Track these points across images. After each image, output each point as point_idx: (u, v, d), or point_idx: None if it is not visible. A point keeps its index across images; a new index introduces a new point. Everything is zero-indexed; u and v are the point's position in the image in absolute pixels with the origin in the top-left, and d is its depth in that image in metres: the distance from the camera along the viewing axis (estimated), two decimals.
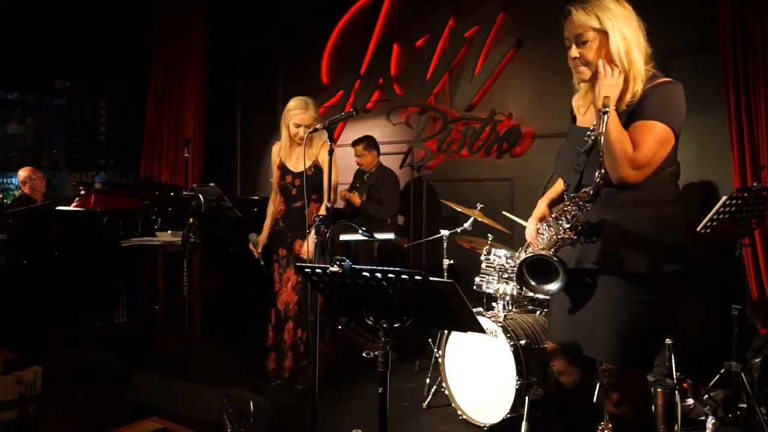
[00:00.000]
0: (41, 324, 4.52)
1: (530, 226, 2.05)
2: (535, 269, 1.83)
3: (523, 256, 2.04)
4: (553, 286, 1.79)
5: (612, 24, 1.74)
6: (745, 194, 2.89)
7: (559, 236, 1.83)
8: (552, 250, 1.84)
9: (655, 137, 1.71)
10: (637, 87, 1.77)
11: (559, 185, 2.12)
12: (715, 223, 2.91)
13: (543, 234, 1.95)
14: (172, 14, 6.81)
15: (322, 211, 3.40)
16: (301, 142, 3.51)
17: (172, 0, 6.76)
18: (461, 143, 4.93)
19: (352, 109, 2.57)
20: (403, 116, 5.35)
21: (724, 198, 2.83)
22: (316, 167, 3.53)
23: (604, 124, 1.63)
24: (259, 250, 3.61)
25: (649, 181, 1.76)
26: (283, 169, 3.62)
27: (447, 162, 5.09)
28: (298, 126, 3.50)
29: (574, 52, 1.81)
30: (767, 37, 3.38)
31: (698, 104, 3.81)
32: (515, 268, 2.16)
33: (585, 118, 1.96)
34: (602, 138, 1.63)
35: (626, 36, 1.76)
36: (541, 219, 2.03)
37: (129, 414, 2.27)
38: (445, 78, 5.07)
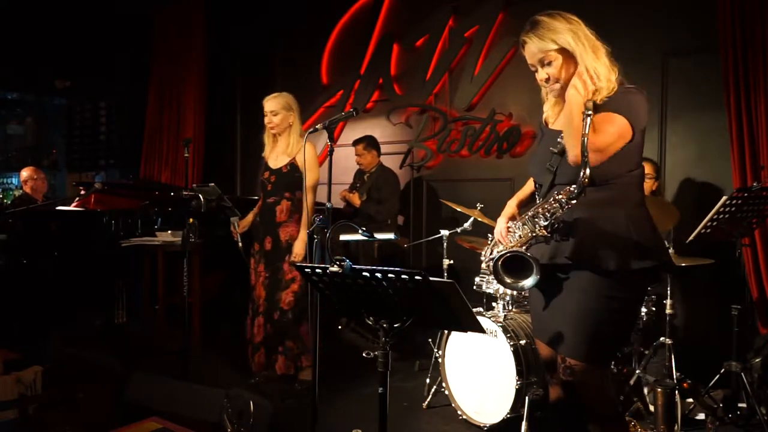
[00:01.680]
0: (41, 324, 4.52)
1: (500, 224, 2.10)
2: (510, 266, 1.88)
3: (494, 254, 2.08)
4: (528, 282, 1.84)
5: (566, 41, 1.82)
6: (745, 194, 2.89)
7: (534, 234, 1.89)
8: (524, 247, 1.91)
9: (616, 128, 1.78)
10: (601, 84, 1.83)
11: (527, 187, 2.19)
12: (715, 223, 2.91)
13: (515, 232, 2.01)
14: (172, 14, 6.81)
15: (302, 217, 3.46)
16: (274, 130, 3.59)
17: (172, 0, 6.76)
18: (461, 143, 4.93)
19: (352, 109, 2.57)
20: (403, 116, 5.35)
21: (724, 198, 2.84)
22: (293, 165, 3.55)
23: (587, 126, 1.67)
24: (239, 231, 3.63)
25: (618, 182, 1.85)
26: (264, 165, 3.70)
27: (447, 162, 5.09)
28: (272, 113, 3.56)
29: (543, 74, 1.90)
30: (767, 37, 3.38)
31: (698, 104, 3.82)
32: (489, 265, 2.20)
33: (557, 124, 2.01)
34: (585, 139, 1.67)
35: (578, 49, 1.82)
36: (511, 218, 2.09)
37: (129, 414, 2.27)
38: (445, 78, 5.07)
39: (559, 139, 1.88)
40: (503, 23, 4.78)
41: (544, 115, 2.08)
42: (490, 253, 2.23)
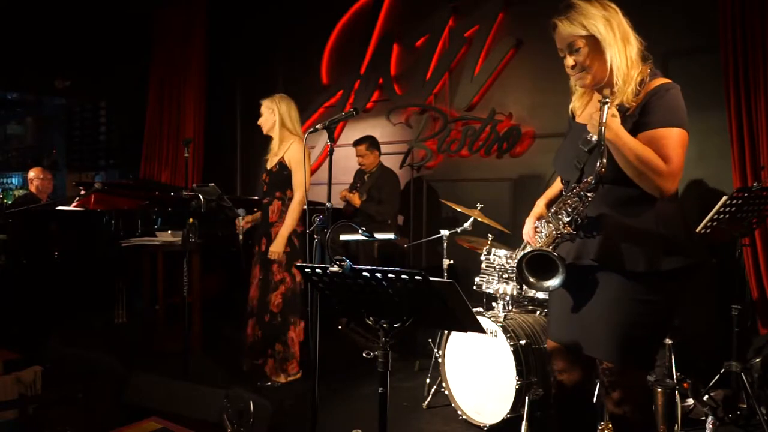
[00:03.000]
0: (41, 324, 4.52)
1: (528, 225, 2.06)
2: (534, 266, 1.82)
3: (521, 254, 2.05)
4: (553, 282, 1.78)
5: (597, 28, 1.77)
6: (745, 194, 2.89)
7: (559, 231, 1.82)
8: (551, 246, 1.83)
9: (679, 144, 1.72)
10: (632, 84, 1.78)
11: (556, 185, 2.13)
12: (715, 223, 2.91)
13: (541, 232, 1.94)
14: (172, 14, 6.82)
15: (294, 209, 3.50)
16: (263, 129, 3.66)
17: (172, 0, 6.76)
18: (461, 143, 4.93)
19: (352, 109, 2.58)
20: (403, 116, 5.35)
21: (724, 198, 2.84)
22: (281, 164, 3.58)
23: (605, 114, 1.63)
24: (242, 224, 3.67)
25: None
26: (263, 168, 3.74)
27: (447, 162, 5.09)
28: (261, 113, 3.63)
29: (570, 60, 1.84)
30: (767, 36, 3.38)
31: (698, 104, 3.81)
32: (515, 266, 2.16)
33: (583, 117, 1.96)
34: (603, 128, 1.63)
35: (608, 38, 1.77)
36: (539, 218, 2.04)
37: (129, 414, 2.27)
38: (445, 78, 5.07)
39: (589, 137, 1.82)
40: (503, 23, 4.77)
41: (570, 106, 2.03)
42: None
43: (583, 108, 1.98)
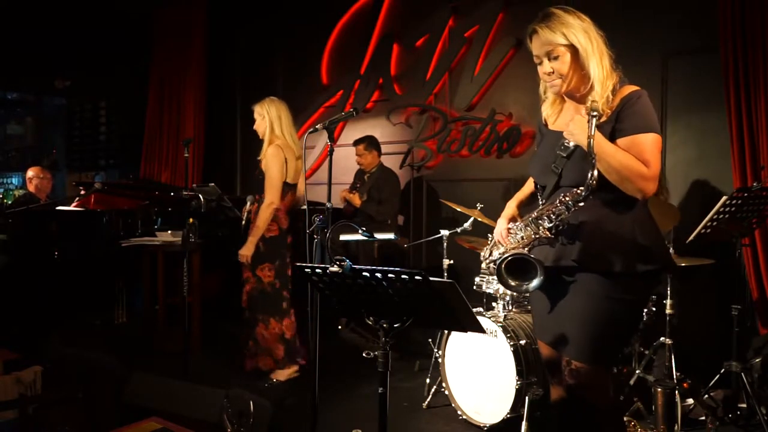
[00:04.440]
0: (41, 324, 4.52)
1: (500, 225, 2.09)
2: (513, 268, 1.87)
3: (495, 255, 2.09)
4: (532, 284, 1.84)
5: (576, 38, 1.82)
6: (745, 194, 2.90)
7: (537, 236, 1.87)
8: (527, 249, 1.89)
9: (656, 147, 1.81)
10: (608, 92, 1.83)
11: (527, 187, 2.18)
12: (715, 223, 2.91)
13: (517, 234, 1.98)
14: (172, 14, 6.82)
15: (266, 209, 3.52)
16: (258, 134, 3.72)
17: (172, 0, 6.76)
18: (461, 143, 4.93)
19: (352, 109, 2.58)
20: (403, 116, 5.35)
21: (724, 198, 2.84)
22: (259, 169, 3.63)
23: (593, 127, 1.67)
24: (247, 208, 3.71)
25: None
26: None
27: (447, 162, 5.09)
28: (255, 118, 3.70)
29: (547, 67, 1.87)
30: (767, 36, 3.38)
31: (698, 104, 3.82)
32: (490, 266, 2.20)
33: (557, 124, 2.00)
34: (592, 141, 1.67)
35: (588, 48, 1.82)
36: (512, 219, 2.08)
37: (129, 414, 2.27)
38: (445, 78, 5.07)
39: (566, 143, 1.86)
40: (503, 23, 4.77)
41: (543, 115, 2.06)
42: (489, 254, 2.22)
43: (555, 116, 2.03)
